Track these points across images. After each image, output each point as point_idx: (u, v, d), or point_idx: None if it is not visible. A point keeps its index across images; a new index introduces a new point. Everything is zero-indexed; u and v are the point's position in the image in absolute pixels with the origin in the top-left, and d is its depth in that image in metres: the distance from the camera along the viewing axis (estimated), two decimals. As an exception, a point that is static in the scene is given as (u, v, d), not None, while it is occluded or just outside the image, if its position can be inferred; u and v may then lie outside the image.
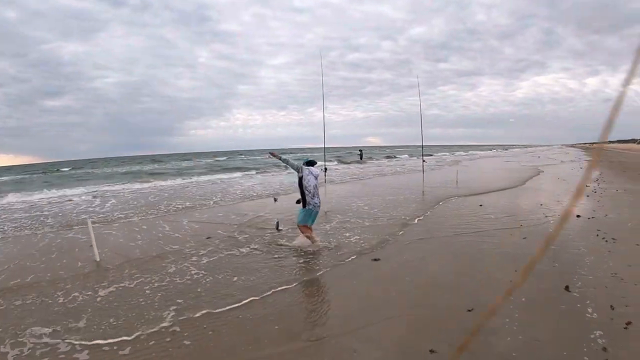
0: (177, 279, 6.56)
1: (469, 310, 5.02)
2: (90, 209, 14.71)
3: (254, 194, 17.58)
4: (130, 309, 5.44)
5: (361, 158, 45.73)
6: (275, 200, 10.94)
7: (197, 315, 5.16)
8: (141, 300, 5.73)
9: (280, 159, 8.20)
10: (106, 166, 60.41)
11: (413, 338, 4.45)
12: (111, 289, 6.21)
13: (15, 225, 12.02)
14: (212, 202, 15.29)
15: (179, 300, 5.62)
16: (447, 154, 68.31)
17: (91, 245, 7.91)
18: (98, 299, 5.84)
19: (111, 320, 5.10)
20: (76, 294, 6.12)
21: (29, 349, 4.46)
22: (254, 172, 33.47)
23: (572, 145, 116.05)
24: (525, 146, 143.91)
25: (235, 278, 6.49)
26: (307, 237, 8.05)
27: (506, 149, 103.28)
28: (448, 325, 4.72)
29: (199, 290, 6.03)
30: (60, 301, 5.86)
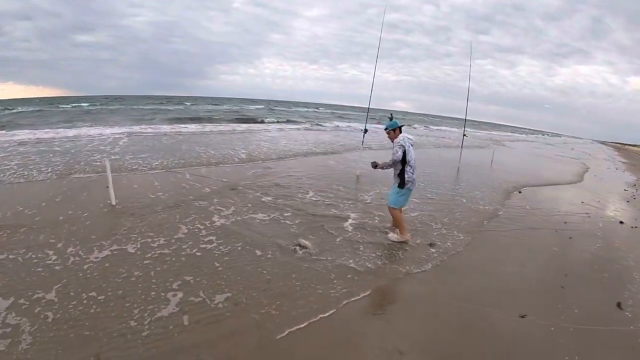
0: (188, 247, 5.81)
1: (522, 317, 4.71)
2: (109, 149, 14.02)
3: (294, 150, 16.61)
4: (120, 284, 4.67)
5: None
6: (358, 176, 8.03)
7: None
8: (138, 273, 4.97)
9: (384, 166, 6.67)
10: (134, 104, 59.78)
11: (458, 345, 4.13)
12: (106, 252, 5.47)
13: (21, 163, 11.00)
14: (242, 154, 14.09)
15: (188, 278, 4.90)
16: (481, 131, 65.07)
17: (107, 187, 7.43)
18: (85, 266, 5.05)
19: (92, 293, 4.39)
20: (71, 249, 5.48)
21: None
22: (289, 124, 32.62)
23: (602, 142, 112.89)
24: (556, 134, 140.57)
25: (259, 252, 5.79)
26: (397, 226, 6.73)
27: (544, 136, 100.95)
28: (497, 331, 4.43)
29: (216, 265, 5.34)
30: (48, 261, 5.14)
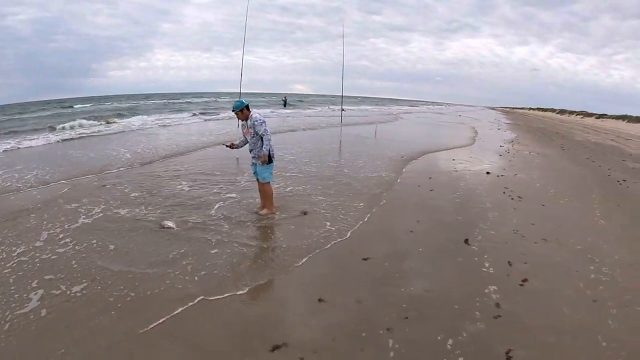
0: (47, 251, 5.58)
1: (364, 259, 5.20)
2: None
3: (179, 144, 15.49)
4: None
5: (285, 105, 46.77)
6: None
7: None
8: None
9: (242, 145, 7.09)
10: (18, 113, 54.63)
11: (306, 288, 4.54)
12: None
13: None
14: (126, 155, 12.81)
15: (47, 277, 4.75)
16: (382, 107, 66.64)
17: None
18: None
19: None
20: None
21: None
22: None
23: (493, 108, 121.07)
24: (451, 104, 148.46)
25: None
26: (268, 199, 7.07)
27: (449, 106, 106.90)
28: (343, 275, 4.94)
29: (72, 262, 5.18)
30: None
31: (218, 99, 71.45)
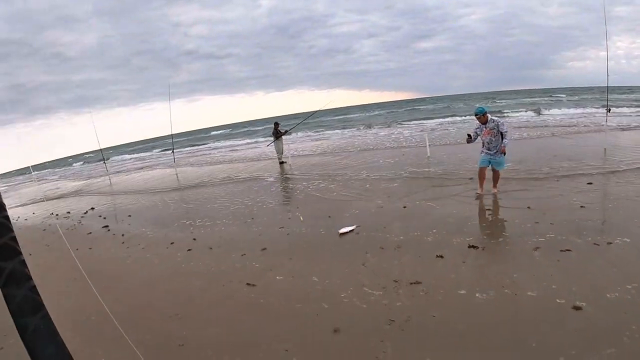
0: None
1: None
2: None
3: None
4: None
5: None
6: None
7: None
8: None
9: (474, 140, 8.69)
10: (479, 101, 60.54)
11: None
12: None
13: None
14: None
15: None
16: None
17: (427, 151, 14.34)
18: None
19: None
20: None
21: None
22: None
23: None
24: None
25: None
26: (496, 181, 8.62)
27: None
28: None
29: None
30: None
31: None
